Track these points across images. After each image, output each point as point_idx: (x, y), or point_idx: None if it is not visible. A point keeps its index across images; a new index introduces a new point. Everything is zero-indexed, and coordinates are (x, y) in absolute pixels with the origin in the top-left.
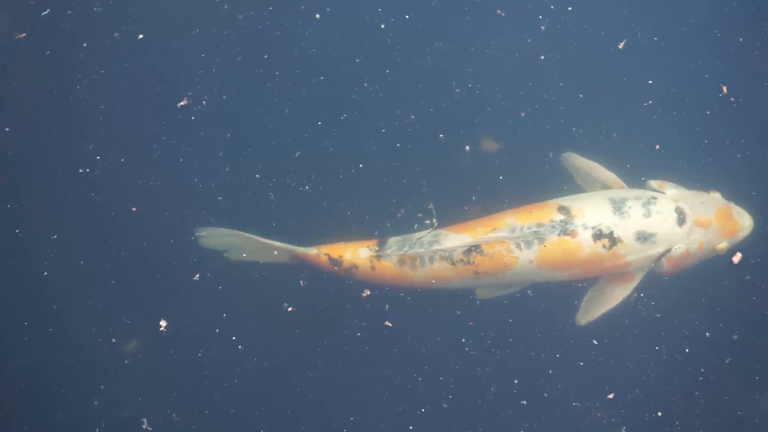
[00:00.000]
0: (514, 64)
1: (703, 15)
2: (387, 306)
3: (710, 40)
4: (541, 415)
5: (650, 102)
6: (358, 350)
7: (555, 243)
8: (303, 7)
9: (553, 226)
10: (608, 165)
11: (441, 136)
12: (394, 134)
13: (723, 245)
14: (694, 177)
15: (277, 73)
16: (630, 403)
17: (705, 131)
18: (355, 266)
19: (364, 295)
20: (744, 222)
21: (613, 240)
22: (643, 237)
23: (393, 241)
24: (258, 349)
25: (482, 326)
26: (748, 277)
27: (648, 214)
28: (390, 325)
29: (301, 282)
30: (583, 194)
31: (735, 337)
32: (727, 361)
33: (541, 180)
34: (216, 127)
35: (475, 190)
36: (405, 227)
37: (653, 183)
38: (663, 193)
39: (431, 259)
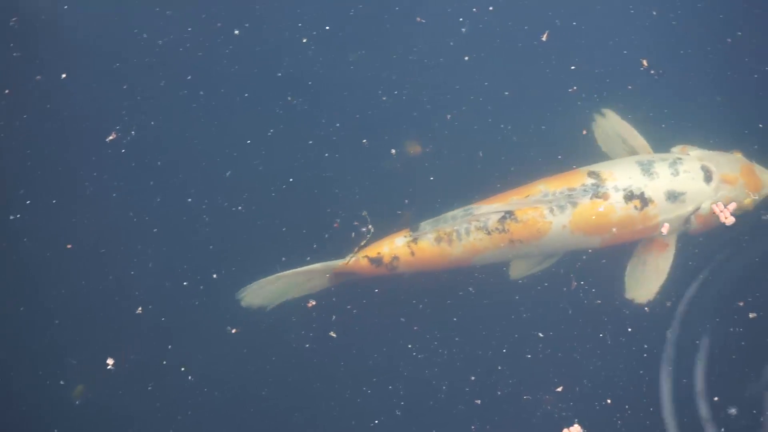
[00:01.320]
0: (438, 69)
1: None
2: (334, 317)
3: (625, 16)
4: (494, 414)
5: (575, 87)
6: (307, 364)
7: (587, 206)
8: (219, 24)
9: (584, 190)
10: (542, 157)
11: (364, 141)
12: (321, 145)
13: (749, 200)
14: None
15: (201, 93)
16: (579, 394)
17: (628, 106)
18: (396, 258)
19: (310, 305)
20: (766, 179)
21: (644, 200)
22: (673, 196)
23: (425, 224)
24: (208, 377)
25: (427, 329)
26: (679, 245)
27: (676, 173)
28: (334, 335)
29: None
30: (610, 161)
31: (668, 304)
32: (668, 333)
33: (472, 179)
34: (146, 156)
35: (407, 193)
36: (342, 237)
37: (675, 148)
38: (687, 155)
39: (467, 231)
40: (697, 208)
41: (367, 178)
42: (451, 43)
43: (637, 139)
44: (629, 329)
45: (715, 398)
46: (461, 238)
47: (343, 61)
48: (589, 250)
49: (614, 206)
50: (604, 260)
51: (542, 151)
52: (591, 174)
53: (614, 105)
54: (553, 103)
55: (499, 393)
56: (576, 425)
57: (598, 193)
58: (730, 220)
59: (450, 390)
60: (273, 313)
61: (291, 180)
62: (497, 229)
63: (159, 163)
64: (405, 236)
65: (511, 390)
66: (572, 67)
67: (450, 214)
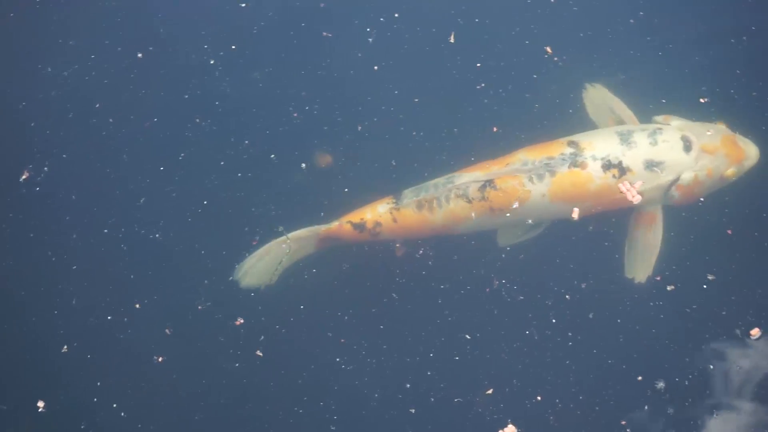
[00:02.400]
0: (348, 81)
1: None
2: (262, 337)
3: (524, 6)
4: (428, 422)
5: (482, 84)
6: (238, 385)
7: (566, 175)
8: (119, 48)
9: (563, 159)
10: (454, 160)
11: (272, 156)
12: (233, 165)
13: (731, 171)
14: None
15: (111, 120)
16: (509, 394)
17: (534, 96)
18: (378, 224)
19: (238, 323)
20: (750, 151)
21: (622, 169)
22: (652, 165)
23: (408, 191)
24: (141, 410)
25: (354, 340)
26: (591, 228)
27: (655, 143)
28: (260, 354)
29: (167, 330)
30: (591, 131)
31: (584, 285)
32: (590, 316)
33: (385, 189)
34: (60, 191)
35: (323, 206)
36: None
37: (658, 118)
38: (668, 125)
39: (447, 199)
40: (677, 179)
41: (282, 193)
42: (360, 55)
43: (625, 111)
44: (553, 320)
45: (639, 378)
46: (442, 206)
47: (250, 80)
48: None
49: (592, 175)
50: (522, 255)
51: (454, 154)
52: (570, 143)
53: (521, 95)
54: (462, 103)
55: (432, 399)
56: (510, 426)
57: (576, 162)
58: (636, 198)
59: (382, 399)
60: (197, 336)
61: (205, 202)
62: (477, 197)
63: (73, 197)
64: (388, 203)
65: (443, 395)
66: (478, 65)
67: (432, 182)
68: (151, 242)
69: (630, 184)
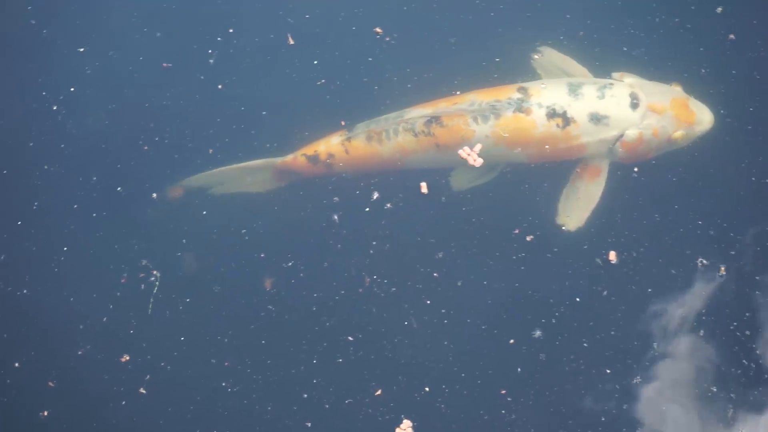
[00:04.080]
0: (194, 106)
1: None
2: (148, 376)
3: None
4: (325, 429)
5: (323, 80)
6: (127, 425)
7: (510, 119)
8: None
9: (509, 103)
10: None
11: (119, 189)
12: (87, 205)
13: (679, 134)
14: None
15: None
16: (398, 391)
17: (372, 79)
18: (331, 155)
19: (124, 359)
20: (702, 116)
21: (566, 119)
22: (596, 118)
23: (361, 124)
24: None
25: (237, 360)
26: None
27: (602, 97)
28: (144, 392)
29: (50, 383)
30: (545, 79)
31: (441, 255)
32: (459, 284)
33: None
34: None
35: (183, 232)
36: (134, 288)
37: (616, 74)
38: (622, 81)
39: (395, 132)
40: (622, 135)
41: (141, 226)
42: (202, 77)
43: (577, 68)
44: (427, 302)
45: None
46: (390, 138)
47: (95, 118)
48: (532, 165)
49: (536, 122)
50: (388, 245)
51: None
52: (520, 89)
53: (358, 81)
54: (308, 104)
55: (327, 406)
56: (405, 421)
57: (521, 107)
58: (479, 162)
59: (275, 413)
60: (84, 379)
61: (66, 249)
62: (423, 131)
63: None
64: (341, 135)
65: (334, 399)
66: (315, 62)
67: (384, 116)
68: (20, 298)
69: (470, 148)
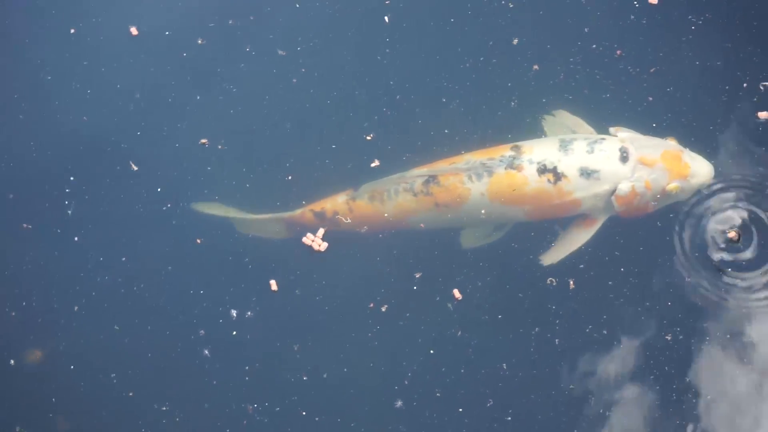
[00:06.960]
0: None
1: None
2: None
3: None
4: None
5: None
6: None
7: (503, 176)
8: None
9: (501, 161)
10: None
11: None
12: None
13: (673, 186)
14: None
15: None
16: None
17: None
18: (336, 213)
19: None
20: (697, 168)
21: (557, 175)
22: (586, 173)
23: (366, 185)
24: None
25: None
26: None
27: (591, 151)
28: None
29: None
30: (539, 138)
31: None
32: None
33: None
34: None
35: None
36: None
37: (612, 129)
38: (615, 136)
39: (396, 192)
40: (614, 189)
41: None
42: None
43: (585, 129)
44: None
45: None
46: (391, 198)
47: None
48: (532, 220)
49: (528, 178)
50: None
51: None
52: (513, 147)
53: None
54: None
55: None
56: None
57: (513, 164)
58: (324, 246)
59: None
60: None
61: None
62: (422, 191)
63: None
64: (346, 194)
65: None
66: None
67: (388, 177)
68: None
69: (313, 234)
